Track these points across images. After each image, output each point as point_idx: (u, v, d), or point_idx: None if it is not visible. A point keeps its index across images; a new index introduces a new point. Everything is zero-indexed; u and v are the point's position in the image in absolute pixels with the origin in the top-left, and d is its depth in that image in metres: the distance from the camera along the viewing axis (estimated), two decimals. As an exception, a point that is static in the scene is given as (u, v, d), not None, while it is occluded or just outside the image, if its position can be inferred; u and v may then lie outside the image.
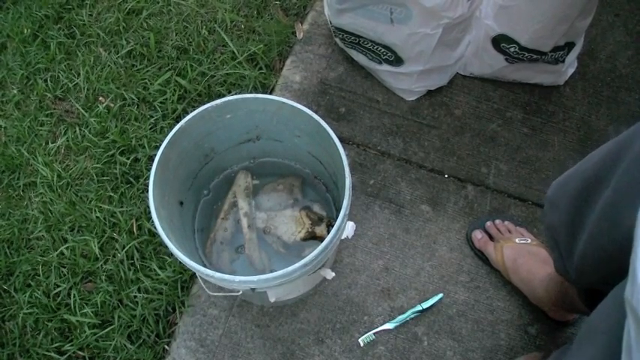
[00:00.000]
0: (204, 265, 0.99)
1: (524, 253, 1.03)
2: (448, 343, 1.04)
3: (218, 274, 0.72)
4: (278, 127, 0.94)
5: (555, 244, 0.70)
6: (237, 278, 0.71)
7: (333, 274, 0.91)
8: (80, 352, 1.05)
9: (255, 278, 0.71)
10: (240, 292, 0.79)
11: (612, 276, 0.54)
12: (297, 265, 0.72)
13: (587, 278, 0.66)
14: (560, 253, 0.69)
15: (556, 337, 1.04)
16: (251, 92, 1.31)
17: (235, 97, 0.86)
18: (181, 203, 0.94)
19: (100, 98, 1.32)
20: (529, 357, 0.98)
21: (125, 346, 1.04)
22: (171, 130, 0.84)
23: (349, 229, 0.86)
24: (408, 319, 1.05)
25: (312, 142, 0.94)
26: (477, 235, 1.09)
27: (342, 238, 0.84)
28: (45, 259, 1.13)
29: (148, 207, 0.78)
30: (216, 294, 0.87)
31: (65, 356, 1.04)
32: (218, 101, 0.85)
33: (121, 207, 1.17)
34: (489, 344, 1.04)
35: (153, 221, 0.78)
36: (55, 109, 1.32)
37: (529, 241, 1.06)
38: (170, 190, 0.88)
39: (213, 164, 1.02)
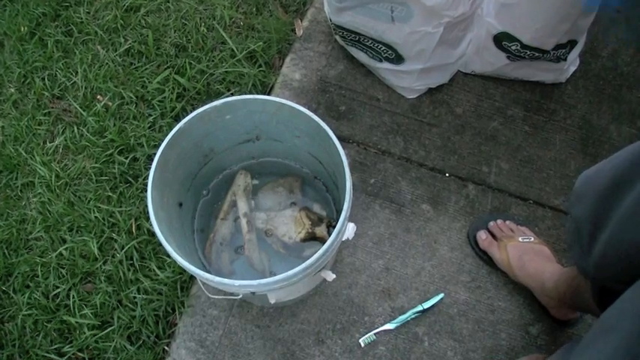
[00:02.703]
0: (204, 266, 0.99)
1: (528, 251, 1.03)
2: (449, 344, 1.03)
3: (217, 279, 0.71)
4: (278, 128, 0.94)
5: (578, 238, 0.69)
6: (237, 282, 0.71)
7: (334, 275, 0.90)
8: (80, 354, 1.05)
9: (255, 282, 0.71)
10: (240, 296, 0.79)
11: (632, 275, 0.53)
12: (297, 269, 0.71)
13: (605, 275, 0.65)
14: (581, 247, 0.68)
15: (557, 337, 1.04)
16: (250, 90, 1.30)
17: (234, 98, 0.85)
18: (180, 204, 0.93)
19: (98, 97, 1.31)
20: (530, 358, 0.97)
21: (125, 347, 1.04)
22: (169, 129, 0.83)
23: (350, 230, 0.86)
24: (408, 319, 1.04)
25: (312, 143, 0.93)
26: (482, 235, 1.09)
27: (343, 239, 0.83)
28: (44, 259, 1.12)
29: (147, 207, 0.77)
30: (215, 296, 0.87)
31: (65, 357, 1.04)
32: (217, 102, 0.84)
33: (120, 207, 1.16)
34: (490, 344, 1.03)
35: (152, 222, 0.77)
36: (52, 108, 1.31)
37: (532, 239, 1.05)
38: (169, 191, 0.87)
39: (213, 164, 1.01)
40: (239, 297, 0.81)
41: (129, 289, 1.08)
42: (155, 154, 0.81)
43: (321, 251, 0.73)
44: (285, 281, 0.72)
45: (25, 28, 1.42)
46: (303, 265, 0.72)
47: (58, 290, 1.09)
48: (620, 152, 0.62)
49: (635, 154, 0.58)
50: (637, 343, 0.46)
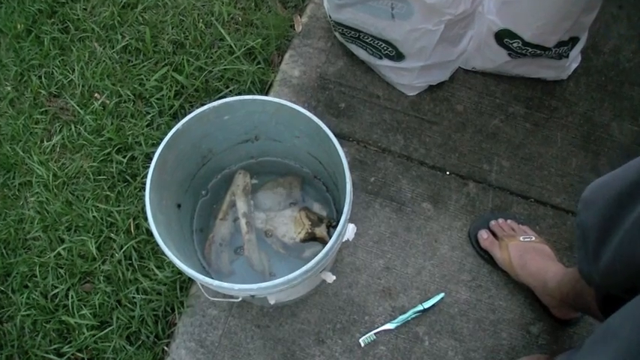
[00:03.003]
0: (203, 267, 0.98)
1: (529, 250, 1.02)
2: (449, 343, 1.03)
3: (217, 282, 0.70)
4: (277, 128, 0.93)
5: (583, 245, 0.68)
6: (237, 286, 0.70)
7: (334, 277, 0.90)
8: (79, 354, 1.04)
9: (254, 286, 0.70)
10: (240, 299, 0.78)
11: (637, 284, 0.53)
12: (297, 272, 0.71)
13: (610, 283, 0.65)
14: (587, 255, 0.67)
15: (558, 337, 1.04)
16: (249, 87, 1.29)
17: (233, 98, 0.84)
18: (179, 206, 0.93)
19: (96, 95, 1.30)
20: (531, 358, 0.97)
21: (124, 347, 1.03)
22: (167, 128, 0.82)
23: (350, 231, 0.85)
24: (409, 318, 1.04)
25: (311, 143, 0.92)
26: (483, 234, 1.08)
27: (343, 240, 0.83)
28: (42, 259, 1.11)
29: (145, 208, 0.77)
30: (214, 299, 0.86)
31: (64, 358, 1.04)
32: (215, 103, 0.83)
33: (118, 206, 1.16)
34: (491, 344, 1.03)
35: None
36: (49, 106, 1.30)
37: (533, 238, 1.05)
38: (168, 193, 0.86)
39: (211, 165, 1.00)
40: (238, 300, 0.80)
41: (128, 289, 1.07)
42: (153, 152, 0.81)
43: (321, 254, 0.72)
44: (284, 285, 0.72)
45: (21, 26, 1.41)
46: (303, 269, 0.71)
47: (57, 290, 1.09)
48: (631, 162, 0.61)
49: None
50: (637, 351, 0.46)
